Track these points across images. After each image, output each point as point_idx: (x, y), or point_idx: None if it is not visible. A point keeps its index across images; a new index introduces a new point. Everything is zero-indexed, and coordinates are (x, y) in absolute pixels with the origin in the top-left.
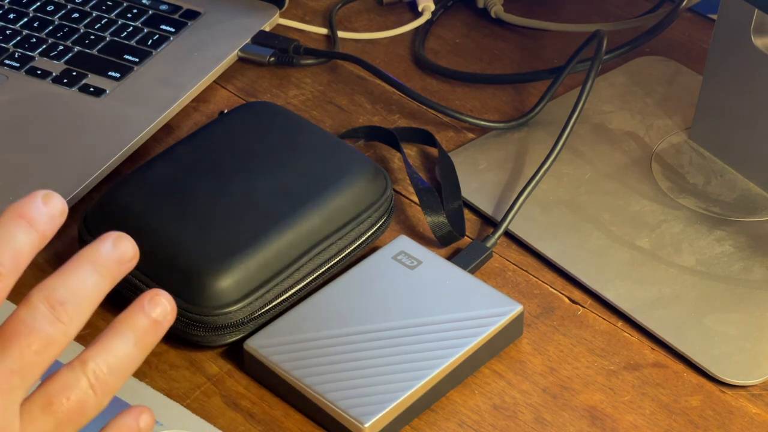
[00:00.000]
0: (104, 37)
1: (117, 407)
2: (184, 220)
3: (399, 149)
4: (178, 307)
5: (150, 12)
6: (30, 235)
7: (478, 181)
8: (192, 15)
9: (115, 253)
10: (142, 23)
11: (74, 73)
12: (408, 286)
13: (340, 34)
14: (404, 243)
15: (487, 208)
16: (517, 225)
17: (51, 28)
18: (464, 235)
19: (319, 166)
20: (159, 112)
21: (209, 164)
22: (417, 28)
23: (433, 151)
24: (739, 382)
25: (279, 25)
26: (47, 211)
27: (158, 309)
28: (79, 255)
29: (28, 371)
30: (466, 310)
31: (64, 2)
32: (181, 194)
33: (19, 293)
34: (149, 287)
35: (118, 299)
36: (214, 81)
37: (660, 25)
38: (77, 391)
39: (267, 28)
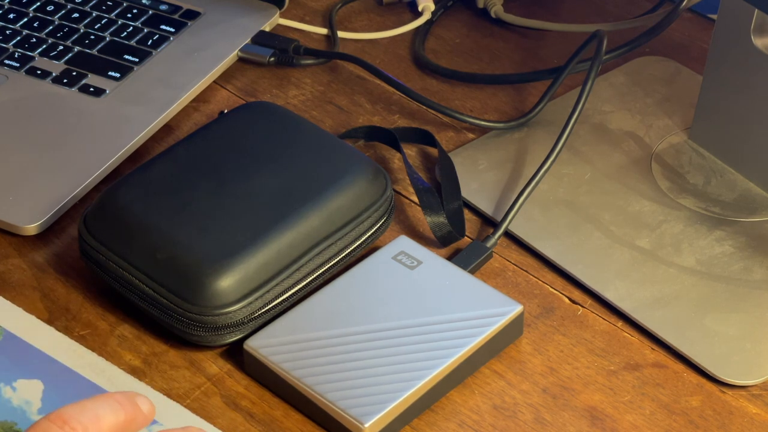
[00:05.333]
0: (104, 37)
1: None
2: (184, 220)
3: (399, 149)
4: (179, 307)
5: (150, 12)
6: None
7: (478, 181)
8: (192, 15)
9: None
10: (142, 23)
11: (74, 73)
12: (408, 286)
13: (340, 34)
14: (404, 243)
15: (487, 208)
16: (517, 225)
17: (51, 28)
18: (464, 235)
19: (319, 166)
20: (159, 112)
21: (209, 164)
22: (417, 28)
23: (433, 151)
24: (739, 382)
25: (279, 25)
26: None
27: None
28: None
29: None
30: (466, 310)
31: (64, 2)
32: (181, 194)
33: (20, 293)
34: (150, 287)
35: (119, 299)
36: (214, 81)
37: (660, 25)
38: None
39: (267, 28)
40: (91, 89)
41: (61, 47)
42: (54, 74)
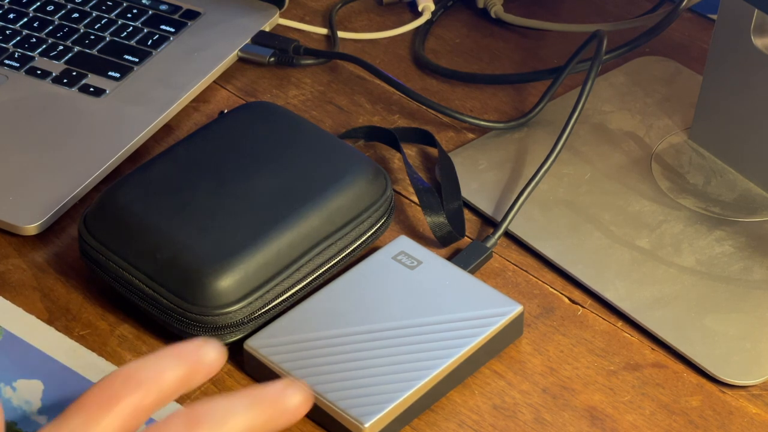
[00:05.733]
0: (104, 37)
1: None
2: (184, 220)
3: (399, 149)
4: (179, 307)
5: (150, 12)
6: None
7: (478, 181)
8: (192, 15)
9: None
10: (142, 23)
11: (74, 73)
12: (408, 286)
13: (340, 34)
14: (404, 243)
15: (487, 208)
16: (517, 225)
17: (51, 28)
18: (464, 236)
19: (319, 166)
20: (159, 112)
21: (209, 164)
22: (417, 28)
23: (433, 151)
24: (739, 382)
25: (279, 25)
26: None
27: None
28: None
29: None
30: (466, 310)
31: (64, 2)
32: (181, 194)
33: (20, 293)
34: (150, 287)
35: (119, 299)
36: (214, 81)
37: (660, 25)
38: None
39: (267, 28)
40: (91, 89)
41: (61, 47)
42: (54, 74)
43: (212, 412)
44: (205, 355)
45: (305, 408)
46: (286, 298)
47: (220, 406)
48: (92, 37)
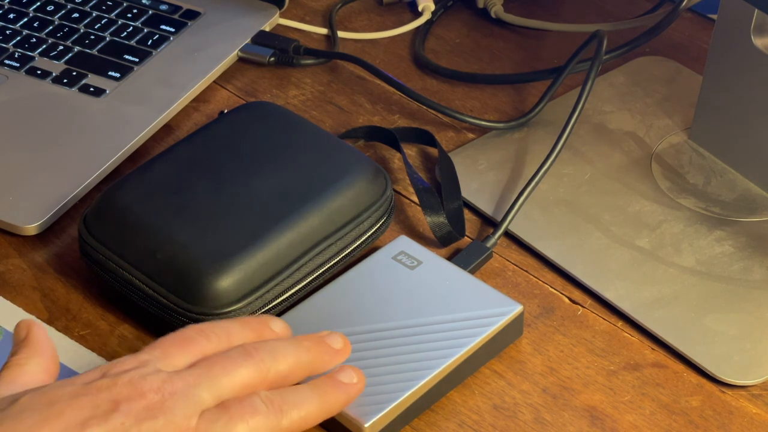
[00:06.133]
0: (104, 37)
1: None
2: (184, 220)
3: (399, 149)
4: (179, 307)
5: (150, 12)
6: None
7: (478, 181)
8: (192, 15)
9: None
10: (142, 23)
11: (74, 73)
12: (408, 286)
13: (340, 34)
14: (404, 243)
15: (487, 208)
16: (517, 225)
17: (51, 28)
18: (464, 236)
19: (319, 166)
20: (159, 112)
21: (209, 164)
22: (417, 28)
23: (433, 151)
24: (739, 382)
25: (279, 25)
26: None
27: (345, 376)
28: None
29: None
30: (466, 310)
31: (64, 2)
32: (181, 194)
33: (20, 293)
34: (150, 287)
35: (119, 299)
36: (214, 81)
37: (660, 25)
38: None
39: (267, 28)
40: (91, 89)
41: (61, 47)
42: (54, 74)
43: (265, 346)
44: (273, 325)
45: (347, 352)
46: (286, 298)
47: (272, 343)
48: (92, 37)
